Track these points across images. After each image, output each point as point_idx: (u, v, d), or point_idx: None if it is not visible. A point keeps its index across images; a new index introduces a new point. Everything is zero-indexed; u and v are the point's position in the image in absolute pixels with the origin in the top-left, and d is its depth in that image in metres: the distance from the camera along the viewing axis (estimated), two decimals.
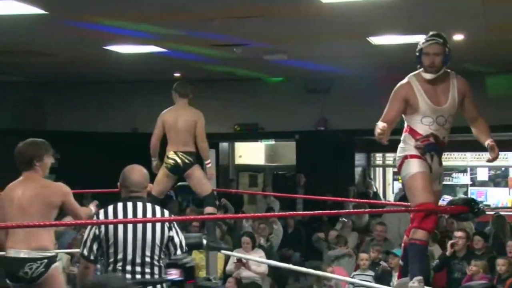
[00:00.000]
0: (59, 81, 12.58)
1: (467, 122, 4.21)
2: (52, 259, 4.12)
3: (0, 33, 7.85)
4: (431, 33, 4.09)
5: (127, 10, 6.80)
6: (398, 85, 4.12)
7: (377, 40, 8.37)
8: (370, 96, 11.92)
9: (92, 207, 4.51)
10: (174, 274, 3.36)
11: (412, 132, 4.07)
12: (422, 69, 4.08)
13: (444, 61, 4.02)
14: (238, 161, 14.93)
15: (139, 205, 3.56)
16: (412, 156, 4.03)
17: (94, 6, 6.65)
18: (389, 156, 13.95)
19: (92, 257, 3.54)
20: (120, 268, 3.47)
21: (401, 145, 4.15)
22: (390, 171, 14.73)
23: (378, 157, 14.78)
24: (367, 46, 8.63)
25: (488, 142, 4.01)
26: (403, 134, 4.14)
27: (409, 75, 4.14)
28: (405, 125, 4.15)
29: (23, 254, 4.04)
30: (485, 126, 4.16)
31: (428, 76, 4.02)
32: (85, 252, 3.55)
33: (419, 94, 4.02)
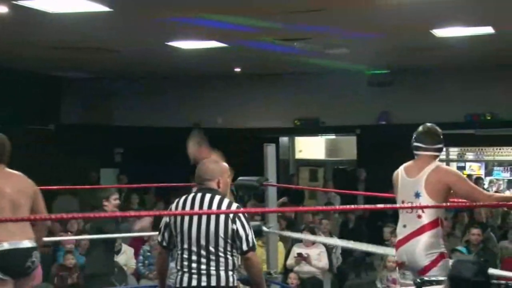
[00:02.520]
0: (124, 76, 12.84)
1: None
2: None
3: (66, 30, 8.07)
4: None
5: (189, 5, 6.88)
6: None
7: (440, 32, 8.20)
8: (434, 89, 11.74)
9: None
10: None
11: None
12: None
13: None
14: (299, 155, 14.89)
15: (207, 196, 3.60)
16: None
17: (157, 3, 6.75)
18: (453, 151, 13.65)
19: (164, 244, 3.67)
20: (186, 257, 3.54)
21: None
22: (454, 166, 14.42)
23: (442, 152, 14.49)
24: (431, 38, 8.46)
25: None
26: None
27: None
28: None
29: (26, 244, 3.85)
30: None
31: None
32: (159, 238, 3.71)
33: None
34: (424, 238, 3.92)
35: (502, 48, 9.30)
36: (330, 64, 10.88)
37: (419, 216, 3.95)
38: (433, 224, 3.94)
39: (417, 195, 3.96)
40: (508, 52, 9.57)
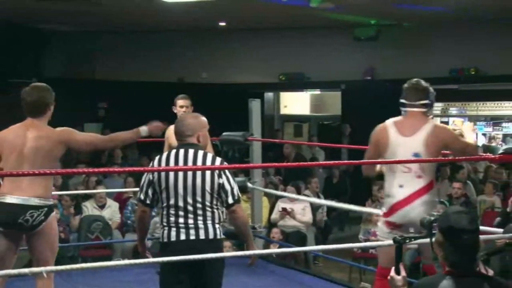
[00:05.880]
0: (108, 30, 12.66)
1: None
2: (51, 208, 4.01)
3: None
4: None
5: None
6: None
7: None
8: (419, 44, 11.69)
9: None
10: None
11: None
12: None
13: None
14: (283, 111, 14.88)
15: (190, 152, 3.60)
16: None
17: None
18: (437, 106, 13.71)
19: (148, 201, 3.63)
20: (173, 212, 3.55)
21: None
22: (437, 121, 14.50)
23: None
24: None
25: None
26: None
27: None
28: None
29: (24, 201, 3.89)
30: None
31: None
32: (142, 197, 3.64)
33: None
34: (427, 198, 3.86)
35: (486, 3, 9.25)
36: (316, 18, 10.78)
37: (419, 177, 3.85)
38: (432, 184, 3.90)
39: (416, 155, 3.84)
40: (493, 7, 9.52)
